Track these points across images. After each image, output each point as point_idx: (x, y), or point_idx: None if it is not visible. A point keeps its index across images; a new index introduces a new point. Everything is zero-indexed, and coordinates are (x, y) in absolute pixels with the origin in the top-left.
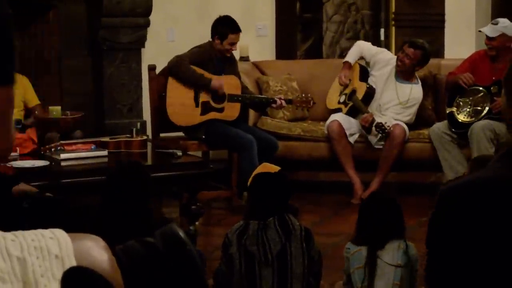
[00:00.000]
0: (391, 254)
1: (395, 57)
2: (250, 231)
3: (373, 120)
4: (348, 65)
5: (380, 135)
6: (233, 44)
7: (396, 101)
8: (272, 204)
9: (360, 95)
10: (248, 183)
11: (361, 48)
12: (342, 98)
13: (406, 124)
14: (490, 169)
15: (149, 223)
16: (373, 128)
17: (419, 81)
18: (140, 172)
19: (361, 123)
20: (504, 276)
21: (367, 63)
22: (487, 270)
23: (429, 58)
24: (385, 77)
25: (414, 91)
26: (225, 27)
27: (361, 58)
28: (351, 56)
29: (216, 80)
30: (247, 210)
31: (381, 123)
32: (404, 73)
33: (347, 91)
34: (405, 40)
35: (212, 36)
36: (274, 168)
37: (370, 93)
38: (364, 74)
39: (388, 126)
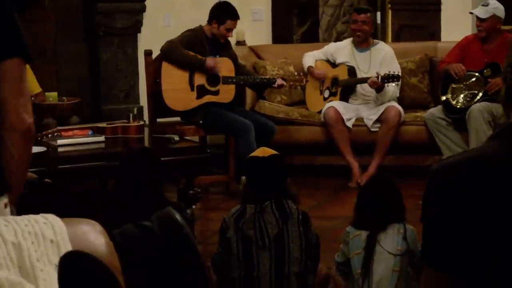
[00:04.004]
0: (390, 240)
1: (343, 40)
2: (247, 215)
3: (378, 77)
4: (312, 69)
5: (395, 84)
6: (230, 30)
7: (373, 67)
8: (268, 187)
9: (344, 75)
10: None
11: (311, 54)
12: (327, 93)
13: (398, 101)
14: (482, 148)
15: (159, 208)
16: (385, 85)
17: (378, 40)
18: (150, 159)
19: (372, 87)
20: (497, 250)
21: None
22: (480, 245)
23: None
24: (350, 56)
25: (381, 49)
26: (224, 13)
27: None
28: (308, 62)
29: (210, 59)
30: (244, 194)
31: (386, 74)
32: (362, 42)
33: (327, 84)
34: (355, 8)
35: (210, 20)
36: (272, 152)
37: (352, 68)
38: (332, 64)
39: (394, 71)
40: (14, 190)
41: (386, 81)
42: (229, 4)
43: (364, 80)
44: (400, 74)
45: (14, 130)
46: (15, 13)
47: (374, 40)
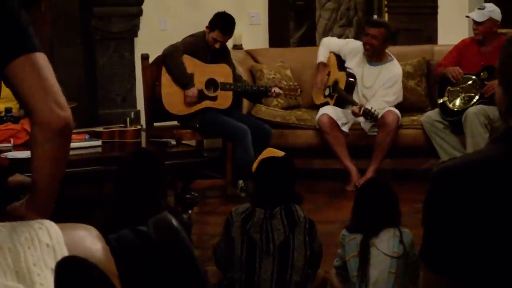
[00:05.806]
0: (386, 243)
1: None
2: (256, 218)
3: (360, 109)
4: (322, 66)
5: (371, 121)
6: (216, 41)
7: (376, 85)
8: (279, 189)
9: (342, 85)
10: (253, 168)
11: (328, 44)
12: (327, 92)
13: (396, 105)
14: (483, 151)
15: (156, 213)
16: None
17: (393, 57)
18: (148, 162)
19: (352, 114)
20: (497, 253)
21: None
22: (481, 248)
23: (392, 34)
24: (359, 65)
25: (390, 70)
26: (219, 22)
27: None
28: (321, 55)
29: (191, 90)
30: (252, 195)
31: (367, 109)
32: (374, 55)
33: (330, 83)
34: (371, 20)
35: (208, 24)
36: (279, 153)
37: (350, 82)
38: (341, 63)
39: (375, 110)
40: (42, 201)
41: (365, 116)
42: (228, 18)
43: (353, 103)
44: (378, 113)
45: (43, 125)
46: (16, 9)
47: (390, 56)
